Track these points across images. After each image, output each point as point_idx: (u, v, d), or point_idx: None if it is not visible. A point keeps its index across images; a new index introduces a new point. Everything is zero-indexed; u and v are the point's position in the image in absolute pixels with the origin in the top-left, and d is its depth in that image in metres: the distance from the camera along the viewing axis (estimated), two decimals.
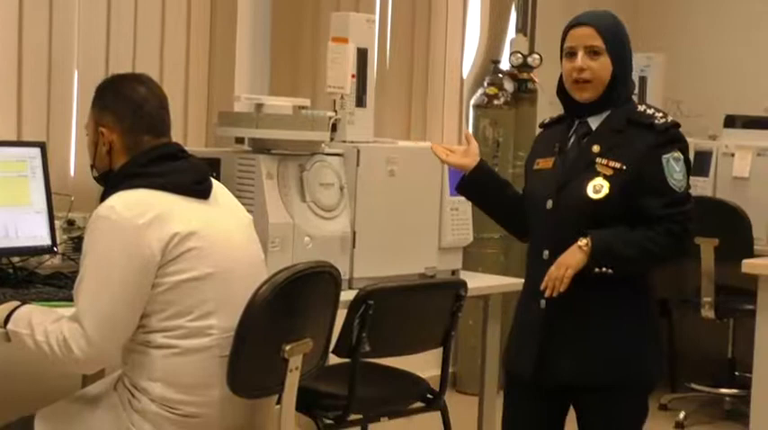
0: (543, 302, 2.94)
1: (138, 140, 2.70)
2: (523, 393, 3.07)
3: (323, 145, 3.63)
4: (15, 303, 2.76)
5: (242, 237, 2.78)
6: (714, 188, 5.37)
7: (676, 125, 2.98)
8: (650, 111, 2.99)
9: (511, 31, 5.80)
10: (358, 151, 3.69)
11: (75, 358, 2.56)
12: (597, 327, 2.94)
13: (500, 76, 5.59)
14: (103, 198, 2.67)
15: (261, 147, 3.54)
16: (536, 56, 5.61)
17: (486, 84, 5.56)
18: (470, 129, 5.56)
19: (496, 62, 5.62)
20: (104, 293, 2.56)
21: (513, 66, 5.64)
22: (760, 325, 4.56)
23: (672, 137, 2.95)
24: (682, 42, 6.17)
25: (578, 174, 2.94)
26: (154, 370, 2.61)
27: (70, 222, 3.70)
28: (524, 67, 5.62)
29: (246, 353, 2.62)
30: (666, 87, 5.84)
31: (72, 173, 3.94)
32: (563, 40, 3.01)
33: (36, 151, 3.40)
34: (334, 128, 3.72)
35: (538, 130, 3.29)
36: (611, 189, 2.88)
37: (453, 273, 4.02)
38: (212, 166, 3.42)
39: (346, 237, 3.64)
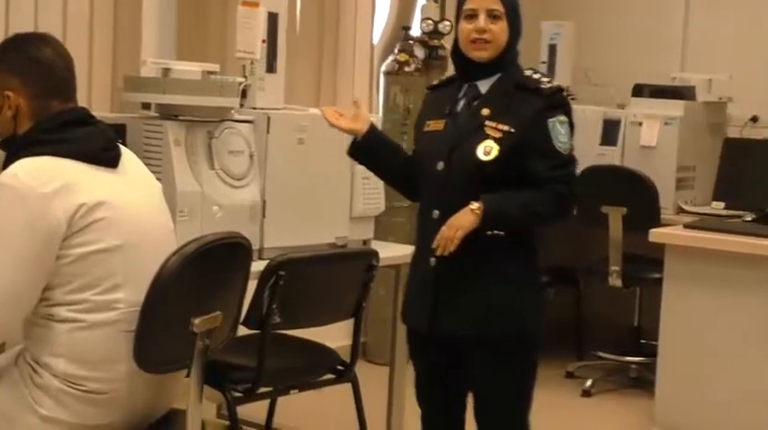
0: (433, 260, 3.04)
1: (46, 105, 2.59)
2: (421, 346, 3.20)
3: (232, 111, 3.55)
4: None
5: (151, 208, 2.69)
6: (622, 157, 5.39)
7: (561, 89, 3.10)
8: (536, 76, 3.10)
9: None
10: (268, 118, 3.61)
11: None
12: (483, 283, 3.04)
13: (411, 42, 5.54)
14: (6, 165, 2.56)
15: (168, 113, 3.45)
16: (447, 22, 5.57)
17: (396, 50, 5.51)
18: (381, 96, 5.52)
19: (407, 28, 5.57)
20: (4, 264, 2.45)
21: (423, 32, 5.60)
22: (666, 293, 4.62)
23: (557, 101, 3.05)
24: (591, 11, 6.17)
25: (469, 136, 3.03)
26: (57, 344, 2.51)
27: None
28: (435, 33, 5.58)
29: (154, 328, 2.54)
30: (576, 56, 5.84)
31: None
32: (461, 1, 3.08)
33: None
34: (243, 94, 3.64)
35: (426, 92, 3.36)
36: (500, 151, 2.98)
37: (365, 242, 3.98)
38: (118, 133, 3.27)
39: (256, 206, 3.57)
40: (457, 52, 3.12)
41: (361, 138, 3.24)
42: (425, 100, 3.32)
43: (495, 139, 2.99)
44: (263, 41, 3.67)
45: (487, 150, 3.00)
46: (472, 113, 3.06)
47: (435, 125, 3.13)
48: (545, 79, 3.10)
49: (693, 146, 5.36)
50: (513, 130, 2.99)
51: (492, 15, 3.03)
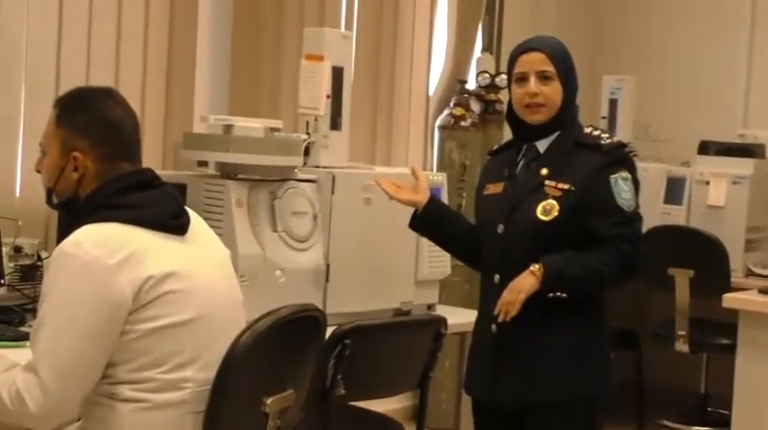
0: (495, 327, 2.98)
1: (115, 167, 2.40)
2: (485, 416, 3.13)
3: (296, 170, 3.36)
4: None
5: (222, 278, 2.49)
6: (688, 217, 5.18)
7: (622, 145, 3.04)
8: (596, 133, 3.03)
9: (477, 50, 5.59)
10: (333, 177, 3.43)
11: (29, 413, 2.25)
12: (545, 349, 2.96)
13: (467, 96, 5.36)
14: (65, 230, 2.37)
15: (229, 171, 3.27)
16: (504, 76, 5.34)
17: (452, 104, 5.33)
18: (436, 152, 5.33)
19: (463, 82, 5.40)
20: (66, 340, 2.26)
21: (480, 86, 5.42)
22: (740, 361, 4.38)
23: (619, 157, 2.99)
24: (652, 66, 5.99)
25: (528, 196, 2.98)
26: (119, 426, 2.31)
27: (17, 249, 3.38)
28: (492, 87, 5.40)
29: (224, 409, 2.34)
30: (637, 112, 5.65)
31: (18, 194, 3.63)
32: (511, 65, 3.05)
33: None
34: (306, 152, 3.46)
35: (487, 158, 3.31)
36: (560, 210, 2.92)
37: (429, 307, 3.78)
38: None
39: (320, 270, 3.38)
40: (512, 115, 3.07)
41: (422, 210, 3.21)
42: (486, 165, 3.27)
43: (555, 198, 2.94)
44: (328, 97, 3.49)
45: (547, 209, 2.94)
46: (531, 174, 3.01)
47: (494, 188, 3.08)
48: (605, 135, 3.04)
49: (763, 205, 5.14)
50: (573, 188, 2.93)
51: (543, 77, 2.97)
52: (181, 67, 4.00)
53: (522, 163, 3.06)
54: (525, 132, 3.06)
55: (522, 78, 3.00)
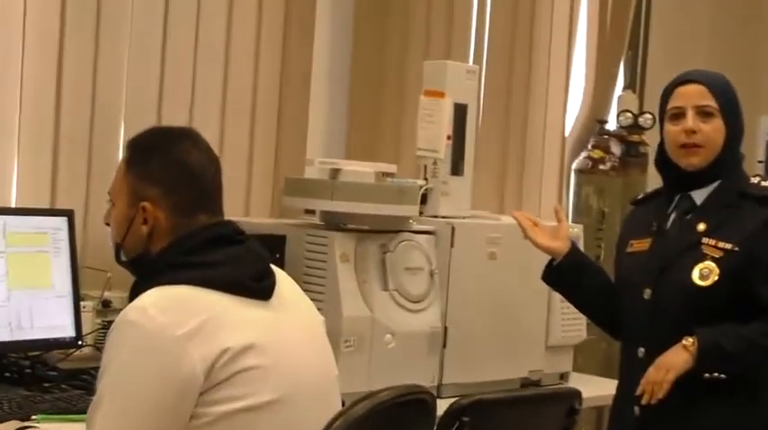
0: (637, 409, 2.60)
1: (191, 220, 2.05)
2: None
3: (410, 221, 2.98)
4: (16, 425, 2.12)
5: (312, 352, 2.12)
6: None
7: None
8: (766, 184, 2.67)
9: (618, 88, 5.11)
10: (453, 229, 3.04)
11: None
12: None
13: (606, 137, 4.89)
14: (134, 293, 2.03)
15: (335, 221, 2.91)
16: (648, 115, 4.90)
17: (590, 146, 4.86)
18: (571, 198, 4.87)
19: (603, 122, 4.93)
20: (127, 422, 1.91)
21: (621, 126, 4.93)
22: None
23: None
24: None
25: (681, 256, 2.60)
26: None
27: (106, 303, 3.09)
28: (634, 127, 4.90)
29: None
30: None
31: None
32: (665, 99, 2.69)
33: (62, 221, 2.80)
34: (423, 200, 3.08)
35: (629, 207, 2.96)
36: (720, 274, 2.54)
37: (562, 377, 3.34)
38: (276, 246, 2.80)
39: (436, 333, 2.98)
40: (663, 159, 2.69)
41: (561, 260, 2.81)
42: (629, 216, 2.92)
43: (715, 260, 2.54)
44: (449, 138, 3.11)
45: (705, 273, 2.55)
46: (685, 229, 2.62)
47: (640, 245, 2.70)
48: None
49: None
50: (736, 249, 2.54)
51: (703, 113, 2.60)
52: (294, 106, 3.66)
53: (673, 216, 2.67)
54: (679, 179, 2.67)
55: (678, 114, 2.63)
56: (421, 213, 3.09)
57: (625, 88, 5.14)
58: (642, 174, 4.93)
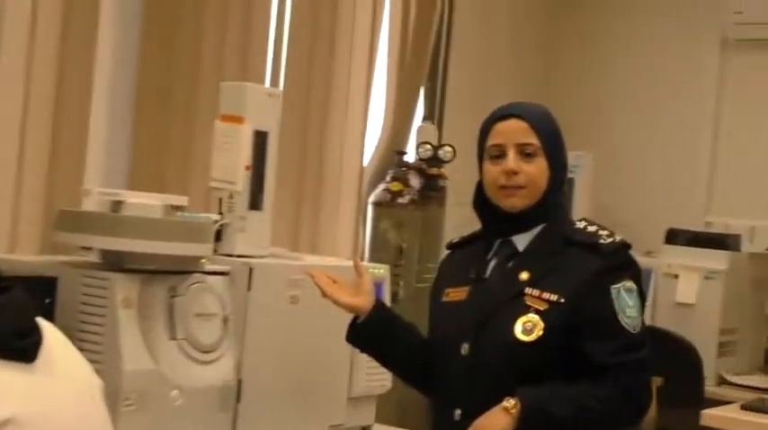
0: None
1: None
2: None
3: (203, 261, 2.65)
4: None
5: (83, 422, 1.76)
6: (653, 315, 4.55)
7: (626, 246, 2.43)
8: (592, 229, 2.43)
9: (418, 119, 4.96)
10: (250, 269, 2.72)
11: None
12: None
13: (405, 169, 4.68)
14: None
15: (117, 261, 2.54)
16: (448, 148, 4.74)
17: (388, 178, 4.65)
18: (368, 232, 4.63)
19: (401, 153, 4.73)
20: None
21: (420, 158, 4.75)
22: None
23: (622, 262, 2.39)
24: (610, 141, 5.41)
25: (503, 308, 2.37)
26: None
27: None
28: (434, 160, 4.73)
29: None
30: (594, 191, 5.06)
31: None
32: (483, 136, 2.46)
33: None
34: (218, 237, 2.76)
35: (444, 252, 2.71)
36: (545, 329, 2.31)
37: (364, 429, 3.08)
38: (45, 288, 2.43)
39: (229, 387, 2.65)
40: (482, 200, 2.47)
41: (365, 318, 2.54)
42: (444, 261, 2.67)
43: (540, 313, 2.32)
44: (247, 168, 2.80)
45: (529, 327, 2.32)
46: (507, 278, 2.40)
47: (456, 294, 2.47)
48: (604, 232, 2.41)
49: (738, 304, 4.54)
50: (562, 301, 2.32)
51: (524, 153, 2.40)
52: (70, 128, 3.23)
53: (494, 262, 2.46)
54: (498, 222, 2.46)
55: (498, 155, 2.42)
56: (215, 251, 2.76)
57: (425, 119, 4.99)
58: (440, 208, 4.78)
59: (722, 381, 4.44)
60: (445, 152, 4.72)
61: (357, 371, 2.99)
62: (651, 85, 5.40)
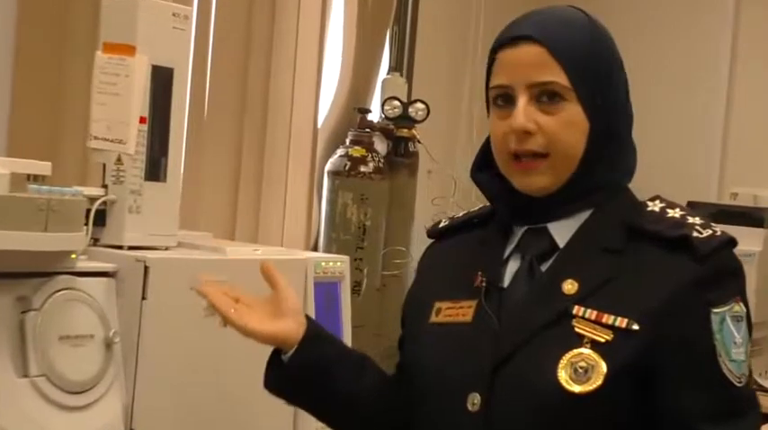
0: None
1: None
2: None
3: (72, 256, 1.79)
4: None
5: None
6: None
7: (731, 243, 1.52)
8: (675, 214, 1.55)
9: (383, 70, 4.17)
10: (146, 268, 1.86)
11: None
12: None
13: (368, 131, 3.88)
14: None
15: None
16: (420, 105, 3.97)
17: (348, 142, 3.83)
18: (324, 208, 3.80)
19: (364, 111, 3.92)
20: None
21: (386, 118, 3.96)
22: None
23: (728, 269, 1.51)
24: None
25: (536, 339, 1.50)
26: None
27: None
28: (403, 119, 3.95)
29: None
30: None
31: None
32: (488, 69, 1.61)
33: None
34: (99, 220, 1.91)
35: (426, 242, 1.79)
36: (608, 373, 1.45)
37: None
38: None
39: None
40: (489, 164, 1.62)
41: (293, 354, 1.63)
42: (427, 258, 1.77)
43: (597, 347, 1.46)
44: (142, 121, 1.94)
45: (581, 371, 1.45)
46: (541, 289, 1.54)
47: (455, 313, 1.58)
48: (695, 220, 1.53)
49: None
50: (635, 327, 1.46)
51: (544, 94, 1.53)
52: None
53: (516, 262, 1.59)
54: (522, 204, 1.60)
55: (503, 103, 1.57)
56: (94, 242, 1.91)
57: (391, 70, 4.21)
58: (411, 177, 4.05)
59: (757, 388, 3.66)
60: (416, 110, 3.98)
61: (303, 417, 2.12)
62: (660, 43, 4.63)
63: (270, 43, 3.45)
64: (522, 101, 1.54)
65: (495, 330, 1.53)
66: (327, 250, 3.70)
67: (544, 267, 1.56)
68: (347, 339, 2.31)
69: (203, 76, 3.20)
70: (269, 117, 3.50)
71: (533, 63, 1.54)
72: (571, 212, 1.57)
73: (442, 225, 1.77)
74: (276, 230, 3.49)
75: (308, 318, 1.67)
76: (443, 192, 4.15)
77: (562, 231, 1.57)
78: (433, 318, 1.61)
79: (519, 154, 1.55)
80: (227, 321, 1.64)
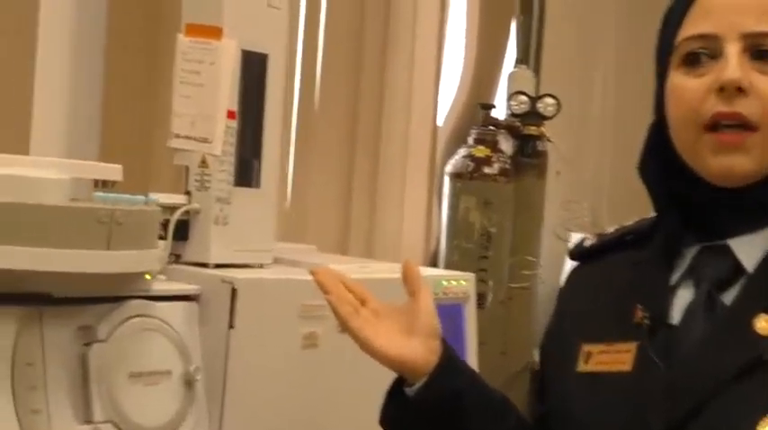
0: None
1: None
2: None
3: (147, 277, 1.51)
4: None
5: None
6: None
7: None
8: None
9: (509, 62, 3.89)
10: (233, 291, 1.57)
11: None
12: None
13: (493, 129, 3.59)
14: None
15: None
16: (549, 100, 3.68)
17: (471, 141, 3.55)
18: (445, 213, 3.52)
19: (488, 107, 3.63)
20: None
21: (513, 114, 3.66)
22: None
23: None
24: None
25: (723, 393, 1.17)
26: None
27: None
28: (531, 116, 3.63)
29: None
30: None
31: None
32: (673, 21, 1.29)
33: None
34: (180, 234, 1.63)
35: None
36: None
37: None
38: None
39: None
40: (662, 158, 1.29)
41: (423, 386, 1.33)
42: (570, 284, 1.45)
43: None
44: (231, 115, 1.65)
45: None
46: (725, 328, 1.22)
47: (610, 359, 1.27)
48: None
49: None
50: None
51: (764, 50, 1.22)
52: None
53: (688, 293, 1.26)
54: (698, 210, 1.28)
55: (700, 57, 1.25)
56: (175, 259, 1.63)
57: (518, 63, 3.90)
58: (540, 179, 3.71)
59: None
60: (546, 105, 3.65)
61: None
62: None
63: (385, 33, 3.19)
64: (733, 51, 1.21)
65: (666, 382, 1.19)
66: (448, 259, 3.43)
67: (727, 298, 1.22)
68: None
69: (313, 67, 2.93)
70: (384, 114, 3.25)
71: (753, 8, 1.22)
72: (763, 223, 1.22)
73: (587, 244, 1.44)
74: (392, 240, 3.23)
75: (443, 342, 1.35)
76: (574, 195, 3.86)
77: (749, 250, 1.23)
78: (582, 367, 1.28)
79: (722, 120, 1.21)
80: (346, 329, 1.34)
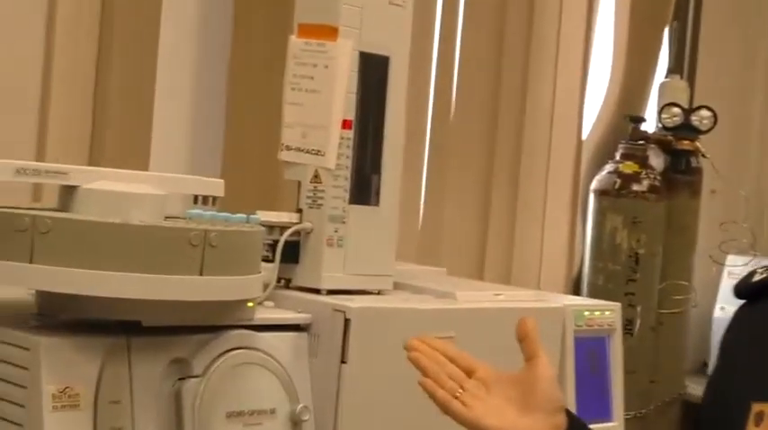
0: None
1: None
2: None
3: (248, 305, 1.36)
4: None
5: None
6: None
7: None
8: None
9: (660, 73, 3.70)
10: (346, 321, 1.41)
11: None
12: None
13: (643, 144, 3.43)
14: None
15: (57, 308, 1.27)
16: (705, 112, 3.50)
17: (618, 156, 3.39)
18: (589, 233, 3.33)
19: (637, 120, 3.45)
20: None
21: (664, 128, 3.50)
22: None
23: None
24: None
25: None
26: None
27: None
28: (684, 129, 3.47)
29: None
30: None
31: None
32: None
33: None
34: (289, 256, 1.47)
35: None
36: None
37: None
38: None
39: None
40: None
41: None
42: (736, 327, 1.26)
43: None
44: (347, 124, 1.49)
45: None
46: None
47: None
48: None
49: None
50: None
51: None
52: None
53: None
54: None
55: None
56: (284, 284, 1.48)
57: (669, 73, 3.74)
58: (693, 197, 3.54)
59: None
60: (701, 118, 3.50)
61: None
62: None
63: (528, 37, 3.02)
64: None
65: None
66: (592, 283, 3.24)
67: None
68: (617, 406, 1.80)
69: (449, 75, 2.77)
70: (525, 126, 3.07)
71: None
72: None
73: (756, 278, 1.22)
74: (531, 262, 3.04)
75: (568, 415, 1.16)
76: (731, 215, 3.63)
77: None
78: (752, 429, 1.07)
79: None
80: (447, 413, 1.16)
